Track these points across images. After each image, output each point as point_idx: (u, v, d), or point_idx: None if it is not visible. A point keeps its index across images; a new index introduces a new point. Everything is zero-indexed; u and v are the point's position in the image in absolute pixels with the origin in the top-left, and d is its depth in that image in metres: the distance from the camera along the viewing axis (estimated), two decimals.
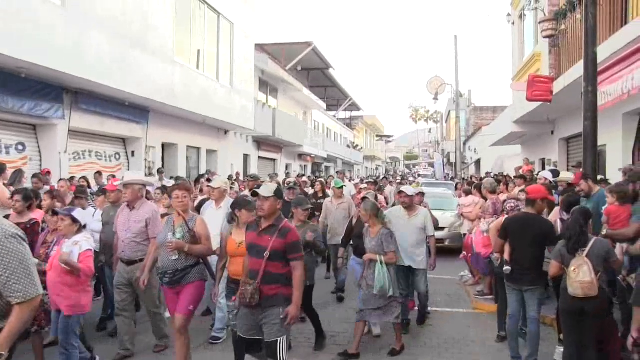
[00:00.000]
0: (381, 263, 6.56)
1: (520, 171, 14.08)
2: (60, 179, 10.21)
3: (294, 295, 4.77)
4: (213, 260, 6.40)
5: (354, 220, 8.23)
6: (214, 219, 7.13)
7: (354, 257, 7.99)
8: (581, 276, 5.21)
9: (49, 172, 10.84)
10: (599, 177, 8.87)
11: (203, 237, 5.78)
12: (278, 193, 4.92)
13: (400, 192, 7.87)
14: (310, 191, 13.77)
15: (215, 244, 6.50)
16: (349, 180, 22.35)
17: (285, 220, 4.98)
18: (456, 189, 20.71)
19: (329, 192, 11.84)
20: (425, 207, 8.65)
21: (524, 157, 22.38)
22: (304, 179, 19.21)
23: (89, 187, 11.02)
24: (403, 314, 7.74)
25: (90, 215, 7.87)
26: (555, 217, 7.41)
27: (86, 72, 11.86)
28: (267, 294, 4.75)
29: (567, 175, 9.18)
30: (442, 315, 8.76)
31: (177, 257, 5.59)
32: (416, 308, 8.26)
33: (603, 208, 6.90)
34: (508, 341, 6.49)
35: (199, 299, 5.79)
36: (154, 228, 6.42)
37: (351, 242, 8.24)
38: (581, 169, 8.80)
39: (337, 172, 16.01)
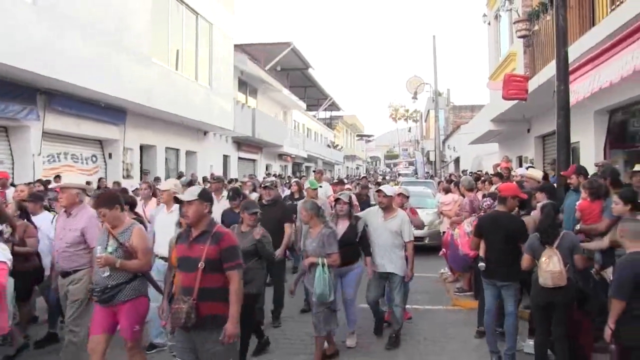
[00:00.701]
0: (322, 266, 6.06)
1: (499, 168, 14.21)
2: (19, 184, 9.65)
3: (230, 310, 4.23)
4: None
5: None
6: (165, 225, 6.79)
7: None
8: (551, 266, 5.46)
9: (5, 176, 10.44)
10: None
11: (139, 250, 5.15)
12: (203, 195, 4.43)
13: (379, 190, 7.26)
14: (286, 192, 13.43)
15: (167, 252, 6.18)
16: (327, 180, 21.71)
17: (218, 224, 4.52)
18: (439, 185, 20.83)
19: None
20: (406, 210, 8.08)
21: (502, 155, 22.59)
22: (272, 178, 18.40)
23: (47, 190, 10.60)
24: (379, 319, 7.60)
25: (49, 221, 7.43)
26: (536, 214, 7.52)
27: (60, 72, 11.75)
28: (205, 314, 4.21)
29: (532, 173, 9.27)
30: (422, 312, 8.81)
31: (108, 273, 5.02)
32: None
33: (577, 204, 7.03)
34: (486, 336, 6.57)
35: (142, 316, 5.25)
36: (92, 237, 5.71)
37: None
38: (555, 165, 8.94)
39: (314, 172, 14.44)
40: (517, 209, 6.94)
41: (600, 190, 6.60)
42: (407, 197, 8.59)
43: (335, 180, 15.00)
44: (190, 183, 9.10)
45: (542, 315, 5.77)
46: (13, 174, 12.50)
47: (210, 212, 4.49)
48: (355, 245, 6.88)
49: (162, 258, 6.27)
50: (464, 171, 24.70)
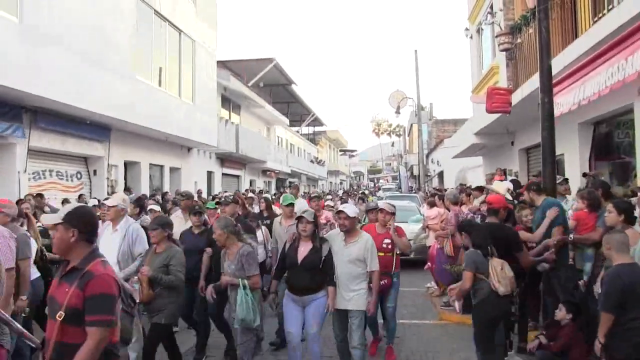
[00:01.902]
0: (244, 288, 5.40)
1: (493, 182, 14.24)
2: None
3: None
4: None
5: (287, 245, 6.29)
6: (109, 245, 6.11)
7: (288, 293, 6.05)
8: (507, 272, 5.67)
9: None
10: (559, 177, 9.13)
11: None
12: (70, 218, 3.31)
13: (339, 212, 6.19)
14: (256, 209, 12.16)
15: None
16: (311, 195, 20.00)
17: (96, 260, 3.29)
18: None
19: (279, 210, 9.74)
20: (389, 229, 7.14)
21: (487, 168, 22.67)
22: (251, 194, 17.26)
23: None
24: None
25: None
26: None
27: (44, 90, 11.70)
28: None
29: (496, 186, 9.30)
30: (409, 327, 8.79)
31: None
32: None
33: (570, 212, 7.07)
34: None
35: None
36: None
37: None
38: (540, 178, 8.99)
39: (288, 187, 11.85)
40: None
41: (597, 201, 6.67)
42: (392, 213, 7.26)
43: (313, 195, 12.45)
44: (139, 199, 7.85)
45: (493, 329, 5.86)
46: None
47: (89, 241, 3.39)
48: (319, 271, 5.88)
49: None
50: (461, 185, 24.01)
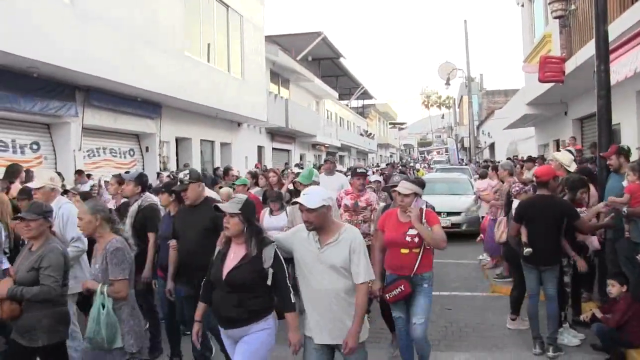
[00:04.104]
0: (102, 295, 4.05)
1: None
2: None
3: None
4: None
5: (216, 250, 4.34)
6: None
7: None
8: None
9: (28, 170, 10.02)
10: None
11: None
12: None
13: (295, 202, 4.60)
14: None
15: None
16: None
17: None
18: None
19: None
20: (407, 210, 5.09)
21: (540, 139, 22.17)
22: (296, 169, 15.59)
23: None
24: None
25: None
26: None
27: (97, 69, 11.93)
28: None
29: (559, 155, 9.01)
30: (461, 299, 8.74)
31: None
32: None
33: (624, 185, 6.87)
34: (529, 321, 6.48)
35: None
36: None
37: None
38: (594, 148, 8.74)
39: (326, 161, 9.95)
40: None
41: None
42: (414, 194, 5.14)
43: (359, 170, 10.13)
44: (140, 176, 6.67)
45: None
46: (56, 169, 12.75)
47: None
48: (253, 291, 3.94)
49: None
50: (529, 157, 21.50)
